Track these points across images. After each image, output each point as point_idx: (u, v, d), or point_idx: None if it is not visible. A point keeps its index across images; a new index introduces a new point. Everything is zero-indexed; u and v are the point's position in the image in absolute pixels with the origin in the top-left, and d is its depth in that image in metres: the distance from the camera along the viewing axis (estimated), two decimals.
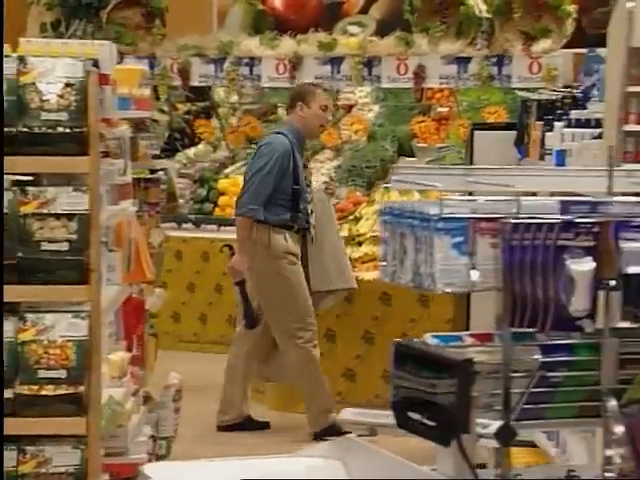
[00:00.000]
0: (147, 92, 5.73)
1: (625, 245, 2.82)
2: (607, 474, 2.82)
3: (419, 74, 9.46)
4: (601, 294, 2.88)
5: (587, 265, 2.79)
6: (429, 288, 2.93)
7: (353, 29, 10.39)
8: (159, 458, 5.56)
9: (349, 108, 10.85)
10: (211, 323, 9.70)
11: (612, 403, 2.84)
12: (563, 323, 2.85)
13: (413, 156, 10.18)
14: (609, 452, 2.83)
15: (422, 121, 10.26)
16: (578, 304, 2.80)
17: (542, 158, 5.99)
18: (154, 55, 10.13)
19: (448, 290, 2.92)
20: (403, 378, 2.70)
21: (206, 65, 10.09)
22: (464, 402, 2.53)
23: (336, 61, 9.74)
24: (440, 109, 10.45)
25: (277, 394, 7.68)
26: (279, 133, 7.14)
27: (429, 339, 2.93)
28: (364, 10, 10.69)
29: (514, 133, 6.80)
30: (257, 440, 6.84)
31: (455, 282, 2.91)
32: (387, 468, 2.77)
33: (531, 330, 2.96)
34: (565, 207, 2.79)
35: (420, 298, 7.17)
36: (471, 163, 6.87)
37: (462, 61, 9.31)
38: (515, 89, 9.00)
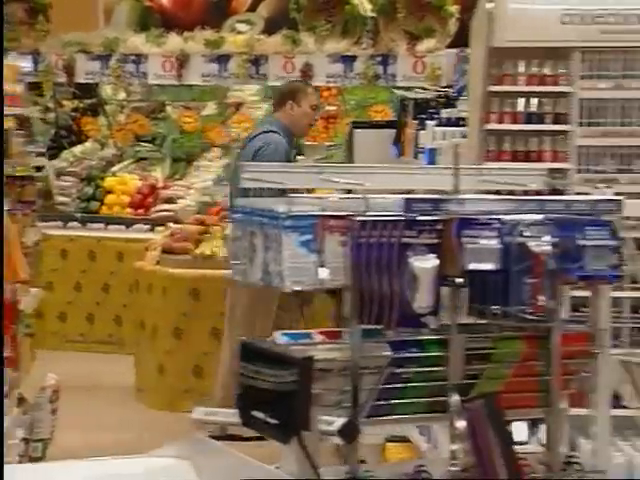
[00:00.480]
0: (20, 89, 5.65)
1: (468, 242, 2.86)
2: (452, 468, 2.85)
3: (306, 72, 9.49)
4: (446, 291, 2.91)
5: (430, 262, 2.82)
6: (278, 286, 2.92)
7: (241, 27, 10.37)
8: (33, 460, 5.48)
9: (238, 106, 10.83)
10: (98, 323, 9.61)
11: (454, 398, 2.87)
12: (408, 320, 2.87)
13: (302, 154, 10.20)
14: (453, 447, 2.86)
15: None
16: (422, 301, 2.82)
17: (416, 156, 6.05)
18: (38, 51, 9.99)
19: (297, 288, 2.93)
20: (247, 376, 2.70)
21: (91, 62, 9.98)
22: (304, 400, 2.54)
23: (223, 59, 9.72)
24: (328, 107, 10.50)
25: (158, 393, 7.64)
26: (271, 131, 6.86)
27: (278, 337, 2.93)
28: (252, 8, 10.68)
29: (394, 131, 6.85)
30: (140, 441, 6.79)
31: (303, 280, 2.91)
32: (234, 467, 2.76)
33: (381, 327, 2.98)
34: (408, 205, 2.82)
35: None
36: (351, 161, 6.90)
37: (348, 60, 9.36)
38: (401, 88, 9.07)
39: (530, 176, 3.34)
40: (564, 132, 5.43)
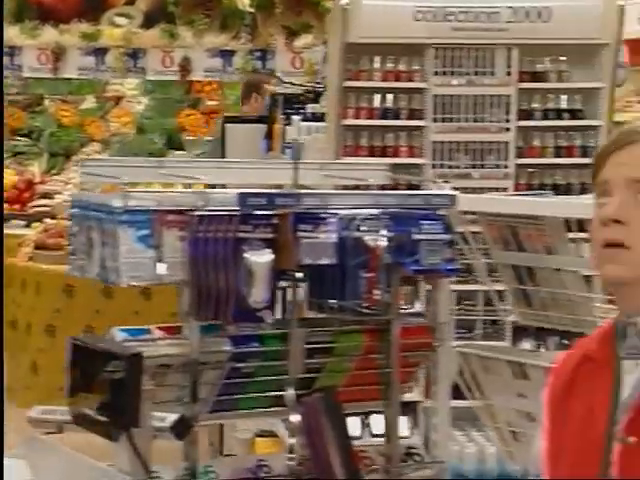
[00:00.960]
0: None
1: (304, 237, 2.87)
2: (289, 463, 2.86)
3: (184, 67, 9.45)
4: (285, 285, 2.92)
5: (265, 257, 2.82)
6: (115, 282, 2.90)
7: (120, 20, 10.27)
8: None
9: (117, 100, 10.73)
10: None
11: (290, 392, 2.89)
12: (244, 315, 2.87)
13: (182, 149, 10.16)
14: (291, 441, 2.87)
15: (191, 114, 10.25)
16: (257, 295, 2.82)
17: (284, 151, 6.06)
18: None
19: (134, 283, 2.91)
20: (77, 373, 2.67)
21: None
22: (133, 396, 2.52)
23: (100, 52, 9.61)
24: (209, 102, 10.47)
25: (31, 392, 7.53)
26: None
27: (116, 333, 2.91)
28: (131, 1, 10.58)
29: (265, 126, 6.86)
30: None
31: (141, 275, 2.89)
32: (67, 465, 2.74)
33: (221, 322, 2.97)
34: (242, 200, 2.81)
35: (104, 290, 7.11)
36: (223, 156, 6.89)
37: (226, 54, 9.35)
38: (294, 84, 9.08)
39: (374, 171, 3.37)
40: (419, 128, 5.50)
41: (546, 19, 5.31)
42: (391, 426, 3.11)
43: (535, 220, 3.02)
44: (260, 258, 2.81)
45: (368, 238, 2.90)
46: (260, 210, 2.84)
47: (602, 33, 5.33)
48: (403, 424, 4.86)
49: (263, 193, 2.84)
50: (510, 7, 5.35)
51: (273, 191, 2.90)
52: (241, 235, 2.83)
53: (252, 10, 9.19)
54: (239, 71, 9.35)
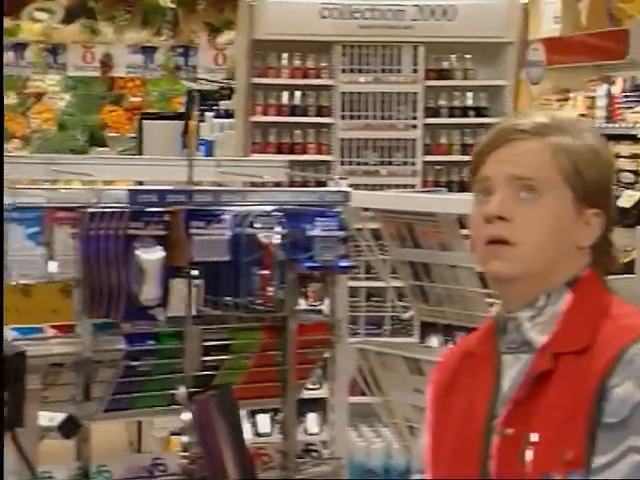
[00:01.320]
0: None
1: (196, 234, 2.85)
2: (181, 461, 2.85)
3: (106, 63, 9.35)
4: (176, 282, 2.90)
5: (156, 254, 2.80)
6: (6, 280, 2.86)
7: (41, 15, 10.14)
8: None
9: (39, 96, 10.61)
10: None
11: (181, 391, 2.87)
12: (136, 312, 2.85)
13: (105, 146, 10.08)
14: (184, 439, 2.86)
15: (113, 110, 10.17)
16: (148, 293, 2.80)
17: (198, 148, 6.05)
18: None
19: (24, 282, 2.88)
20: None
21: None
22: (16, 396, 2.48)
23: (19, 47, 9.49)
24: (132, 99, 10.40)
25: None
26: None
27: (7, 332, 2.87)
28: None
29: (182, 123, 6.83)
30: None
31: (31, 273, 2.87)
32: None
33: (116, 320, 2.95)
34: (133, 197, 2.79)
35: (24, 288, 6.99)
36: (140, 153, 6.85)
37: (148, 51, 9.27)
38: (210, 80, 9.05)
39: (272, 168, 3.36)
40: (327, 125, 5.51)
41: (451, 17, 5.35)
42: (288, 423, 3.10)
43: (430, 217, 3.03)
44: (151, 255, 2.79)
45: (262, 235, 2.90)
46: (151, 207, 2.82)
47: (506, 32, 5.39)
48: (312, 421, 4.88)
49: (154, 190, 2.82)
50: (416, 5, 5.39)
51: (164, 188, 2.88)
52: (132, 232, 2.80)
53: (174, 6, 9.13)
54: (161, 67, 9.28)
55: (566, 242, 1.84)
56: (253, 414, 5.04)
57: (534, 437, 1.77)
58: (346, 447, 3.21)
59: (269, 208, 2.94)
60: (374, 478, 4.72)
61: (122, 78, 10.07)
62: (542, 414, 1.78)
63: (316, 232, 2.94)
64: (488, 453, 1.82)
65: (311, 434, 4.72)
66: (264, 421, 4.91)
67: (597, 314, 1.83)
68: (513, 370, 1.84)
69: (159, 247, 2.81)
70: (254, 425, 5.03)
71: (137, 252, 2.79)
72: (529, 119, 1.88)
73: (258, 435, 4.94)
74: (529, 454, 1.77)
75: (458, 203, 2.94)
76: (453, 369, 1.96)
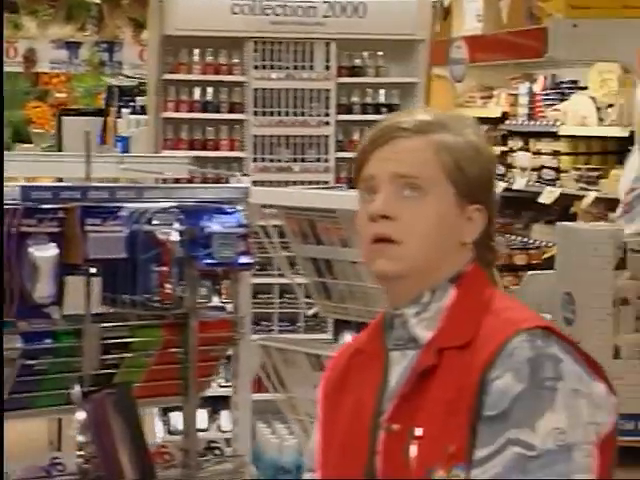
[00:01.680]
0: None
1: (91, 231, 2.82)
2: (78, 460, 2.82)
3: (29, 58, 9.27)
4: (72, 280, 2.87)
5: (50, 251, 2.77)
6: None
7: None
8: None
9: None
10: None
11: (75, 390, 2.84)
12: (30, 310, 2.81)
13: (30, 142, 9.97)
14: (80, 438, 2.83)
15: (38, 106, 10.07)
16: (42, 291, 2.77)
17: (115, 145, 6.00)
18: None
19: None
20: None
21: None
22: None
23: None
24: (57, 95, 10.31)
25: None
26: None
27: None
28: None
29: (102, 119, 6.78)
30: None
31: None
32: None
33: (13, 319, 2.91)
34: (26, 193, 2.76)
35: None
36: (60, 149, 6.78)
37: (72, 46, 9.21)
38: (129, 76, 8.99)
39: (176, 164, 3.34)
40: (240, 121, 5.49)
41: (362, 14, 5.37)
42: (189, 420, 3.08)
43: (330, 213, 3.03)
44: (44, 252, 2.76)
45: (159, 232, 2.87)
46: (45, 203, 2.79)
47: (417, 29, 5.43)
48: (226, 418, 4.86)
49: (47, 186, 2.79)
50: (326, 2, 5.39)
51: (58, 184, 2.85)
52: (25, 229, 2.77)
53: (98, 1, 9.07)
54: (85, 63, 9.21)
55: (450, 239, 1.85)
56: (165, 412, 5.01)
57: (418, 432, 1.78)
58: (249, 445, 3.20)
59: (167, 204, 2.91)
60: (285, 476, 4.72)
61: (47, 73, 9.98)
62: (427, 409, 1.79)
63: (215, 229, 2.92)
64: (375, 449, 1.82)
65: (224, 431, 4.71)
66: (177, 419, 4.88)
67: (480, 309, 1.84)
68: (400, 366, 1.85)
69: (53, 244, 2.77)
70: (166, 423, 5.01)
71: (30, 249, 2.75)
72: (411, 117, 1.88)
73: (170, 433, 4.91)
74: (413, 449, 1.77)
75: (357, 199, 2.93)
76: (343, 366, 1.96)
